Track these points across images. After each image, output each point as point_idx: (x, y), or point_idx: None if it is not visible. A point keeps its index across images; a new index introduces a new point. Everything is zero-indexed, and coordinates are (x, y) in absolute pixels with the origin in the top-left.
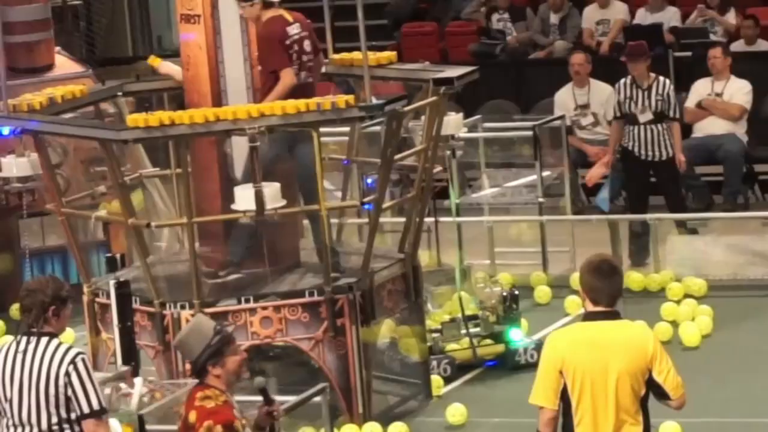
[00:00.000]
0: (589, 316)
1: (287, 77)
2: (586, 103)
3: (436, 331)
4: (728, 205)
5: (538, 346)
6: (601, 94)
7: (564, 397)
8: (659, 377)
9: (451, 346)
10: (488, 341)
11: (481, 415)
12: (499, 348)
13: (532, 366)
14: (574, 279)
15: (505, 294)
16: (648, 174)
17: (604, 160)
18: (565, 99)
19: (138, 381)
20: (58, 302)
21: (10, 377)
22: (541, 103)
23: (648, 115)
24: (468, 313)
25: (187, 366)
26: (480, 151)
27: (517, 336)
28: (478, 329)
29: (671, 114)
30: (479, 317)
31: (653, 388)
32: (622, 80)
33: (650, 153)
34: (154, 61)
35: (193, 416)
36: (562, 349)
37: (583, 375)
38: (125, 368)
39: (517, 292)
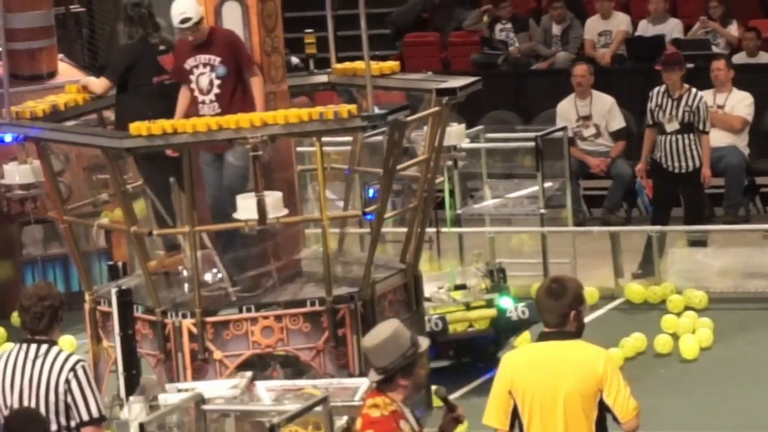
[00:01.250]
0: (540, 337)
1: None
2: (588, 114)
3: (425, 299)
4: (729, 218)
5: (530, 306)
6: (603, 106)
7: (516, 417)
8: (608, 399)
9: (443, 309)
10: (480, 304)
11: (482, 426)
12: (491, 312)
13: (526, 323)
14: None
15: (492, 269)
16: (674, 186)
17: (638, 168)
18: (567, 110)
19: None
20: (63, 308)
21: (10, 384)
22: (542, 114)
23: (674, 125)
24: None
25: (188, 372)
26: (482, 161)
27: (507, 303)
28: (467, 298)
29: (700, 127)
30: (467, 286)
31: (606, 410)
32: (656, 88)
33: (676, 164)
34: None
35: (358, 423)
36: (511, 370)
37: (532, 395)
38: (247, 374)
39: (504, 267)
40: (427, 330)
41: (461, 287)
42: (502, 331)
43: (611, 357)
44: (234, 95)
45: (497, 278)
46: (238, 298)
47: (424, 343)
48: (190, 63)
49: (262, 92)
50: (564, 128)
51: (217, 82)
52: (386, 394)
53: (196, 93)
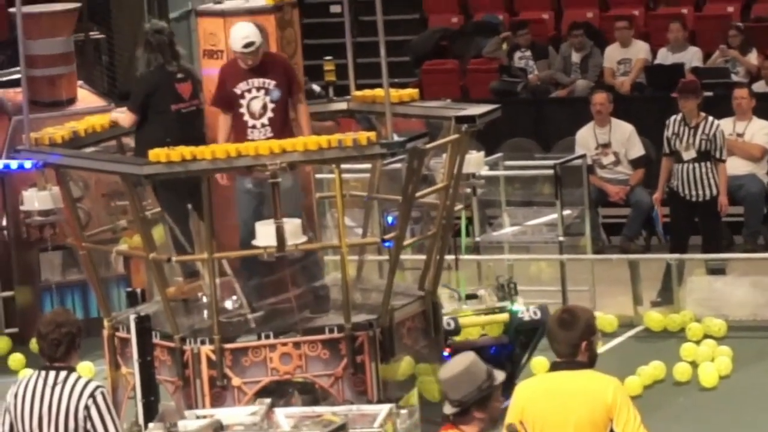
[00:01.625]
0: (552, 367)
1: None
2: (607, 142)
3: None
4: (748, 246)
5: (542, 308)
6: (623, 134)
7: None
8: (617, 428)
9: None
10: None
11: None
12: (503, 317)
13: (539, 324)
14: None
15: (502, 282)
16: (691, 214)
17: (655, 197)
18: (586, 138)
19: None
20: (81, 335)
21: (29, 411)
22: (562, 142)
23: (692, 153)
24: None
25: (207, 399)
26: (501, 189)
27: (519, 305)
28: (479, 305)
29: (717, 155)
30: (478, 296)
31: None
32: (673, 117)
33: (693, 192)
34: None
35: None
36: (522, 400)
37: (542, 425)
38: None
39: (515, 282)
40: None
41: (472, 296)
42: (516, 335)
43: (621, 386)
44: (285, 120)
45: (508, 290)
46: (257, 325)
47: (499, 376)
48: (241, 87)
49: (309, 118)
50: (583, 156)
51: (271, 105)
52: (460, 427)
53: (246, 117)
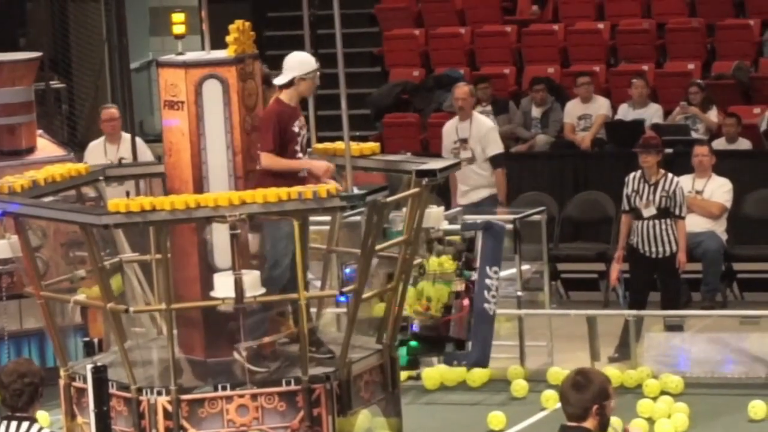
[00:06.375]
0: (559, 430)
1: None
2: (466, 137)
3: None
4: (706, 303)
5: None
6: (480, 130)
7: None
8: None
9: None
10: None
11: None
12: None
13: None
14: (551, 373)
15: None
16: (651, 271)
17: (616, 256)
18: (449, 130)
19: None
20: (43, 385)
21: None
22: (521, 197)
23: (651, 210)
24: None
25: None
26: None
27: None
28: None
29: (676, 212)
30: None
31: None
32: (632, 174)
33: (653, 249)
34: None
35: None
36: None
37: None
38: None
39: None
40: None
41: None
42: None
43: None
44: None
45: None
46: (214, 377)
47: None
48: (297, 125)
49: None
50: (542, 211)
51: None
52: None
53: (300, 154)
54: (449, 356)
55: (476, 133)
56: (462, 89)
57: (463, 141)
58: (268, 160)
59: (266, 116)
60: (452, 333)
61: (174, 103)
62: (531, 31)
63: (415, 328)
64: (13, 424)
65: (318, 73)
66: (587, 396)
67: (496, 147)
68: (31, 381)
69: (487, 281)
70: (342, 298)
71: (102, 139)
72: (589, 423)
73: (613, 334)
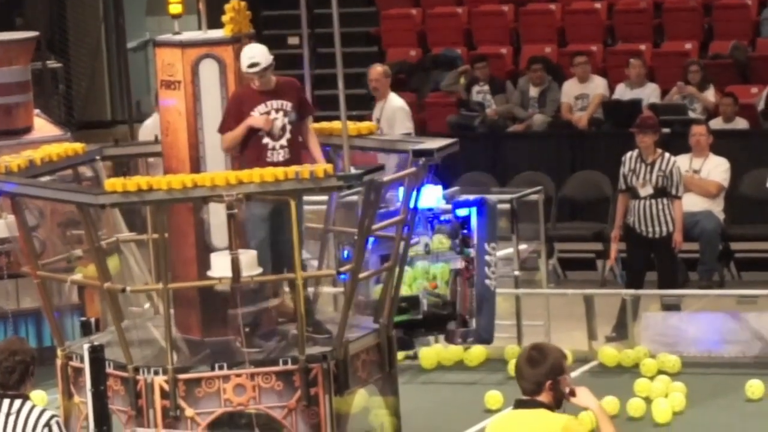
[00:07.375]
0: (514, 404)
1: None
2: (379, 117)
3: None
4: (703, 283)
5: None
6: (389, 109)
7: None
8: None
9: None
10: None
11: None
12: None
13: None
14: None
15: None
16: (647, 251)
17: (613, 235)
18: (373, 112)
19: None
20: (35, 363)
21: None
22: (518, 176)
23: (648, 190)
24: None
25: (160, 429)
26: None
27: None
28: None
29: (673, 192)
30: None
31: None
32: (629, 153)
33: (650, 229)
34: None
35: None
36: None
37: None
38: None
39: None
40: None
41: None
42: None
43: (570, 425)
44: (299, 141)
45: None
46: (212, 356)
47: None
48: (260, 109)
49: (317, 142)
50: (539, 190)
51: (288, 127)
52: None
53: (266, 140)
54: (452, 334)
55: (386, 113)
56: (375, 70)
57: (378, 121)
58: (222, 143)
59: (229, 99)
60: (458, 310)
61: (171, 83)
62: (528, 10)
63: (425, 306)
64: (6, 401)
65: (255, 70)
66: (541, 371)
67: (403, 127)
68: (23, 359)
69: (487, 257)
70: (342, 276)
71: (155, 116)
72: (544, 397)
73: (610, 313)
